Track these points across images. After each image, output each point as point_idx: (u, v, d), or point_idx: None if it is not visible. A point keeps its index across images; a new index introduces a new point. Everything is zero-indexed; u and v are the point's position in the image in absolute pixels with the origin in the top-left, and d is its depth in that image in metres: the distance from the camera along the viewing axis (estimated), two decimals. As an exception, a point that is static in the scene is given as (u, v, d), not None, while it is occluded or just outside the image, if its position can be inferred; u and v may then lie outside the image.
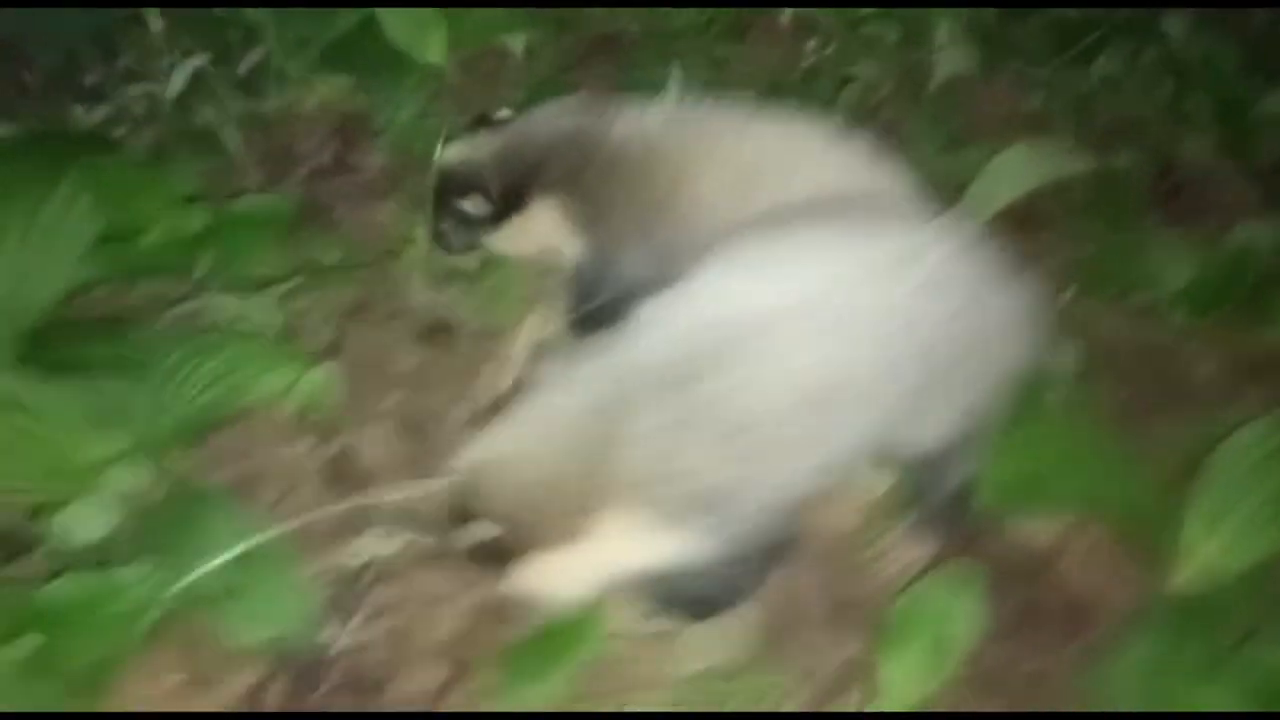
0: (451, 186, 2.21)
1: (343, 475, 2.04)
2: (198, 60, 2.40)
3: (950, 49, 2.65)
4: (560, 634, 1.76)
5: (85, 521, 1.67)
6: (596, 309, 2.19)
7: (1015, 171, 2.38)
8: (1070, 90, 2.77)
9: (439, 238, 2.28)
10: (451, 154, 2.23)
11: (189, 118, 2.52)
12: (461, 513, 1.62)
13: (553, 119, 2.24)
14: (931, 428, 1.71)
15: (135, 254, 1.96)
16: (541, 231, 2.24)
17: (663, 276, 1.92)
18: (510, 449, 1.59)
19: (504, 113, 2.30)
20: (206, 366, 1.83)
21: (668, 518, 1.55)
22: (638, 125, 2.15)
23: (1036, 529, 1.95)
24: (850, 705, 1.70)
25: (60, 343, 1.85)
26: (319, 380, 1.94)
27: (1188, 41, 2.81)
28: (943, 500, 1.88)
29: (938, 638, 1.66)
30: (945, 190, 2.45)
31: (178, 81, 2.37)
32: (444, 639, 1.85)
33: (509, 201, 2.20)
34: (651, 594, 1.76)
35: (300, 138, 2.72)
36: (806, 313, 1.56)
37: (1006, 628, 1.79)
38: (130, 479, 1.77)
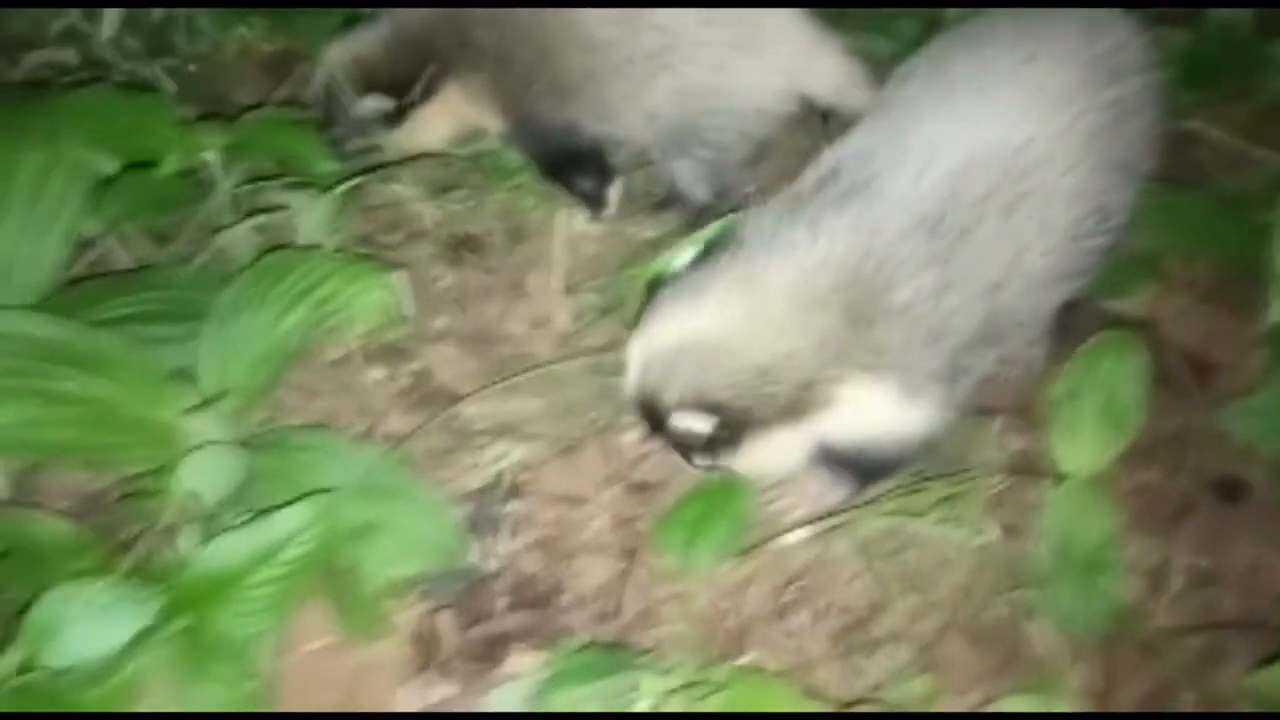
0: (344, 89, 2.06)
1: (427, 398, 1.86)
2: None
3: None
4: (712, 494, 1.66)
5: (208, 478, 1.43)
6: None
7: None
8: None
9: (335, 143, 2.08)
10: (335, 54, 2.08)
11: (115, 72, 2.23)
12: (666, 402, 1.48)
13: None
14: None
15: (153, 187, 1.69)
16: (456, 115, 2.13)
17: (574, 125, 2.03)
18: (739, 325, 1.44)
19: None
20: (278, 289, 1.60)
21: (912, 386, 1.47)
22: None
23: (1125, 304, 1.99)
24: (1034, 490, 1.68)
25: (95, 297, 1.59)
26: (390, 296, 1.73)
27: None
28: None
29: (1109, 405, 1.65)
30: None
31: (109, 26, 2.07)
32: (597, 534, 1.72)
33: (410, 92, 2.08)
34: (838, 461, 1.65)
35: (232, 84, 2.46)
36: (1056, 146, 1.50)
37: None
38: (218, 429, 1.54)
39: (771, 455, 1.55)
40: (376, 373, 1.86)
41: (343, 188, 1.79)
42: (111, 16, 2.08)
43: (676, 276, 1.55)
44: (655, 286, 1.59)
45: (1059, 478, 1.66)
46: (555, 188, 2.18)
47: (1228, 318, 1.98)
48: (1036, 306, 1.57)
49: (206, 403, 1.54)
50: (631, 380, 1.52)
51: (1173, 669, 1.60)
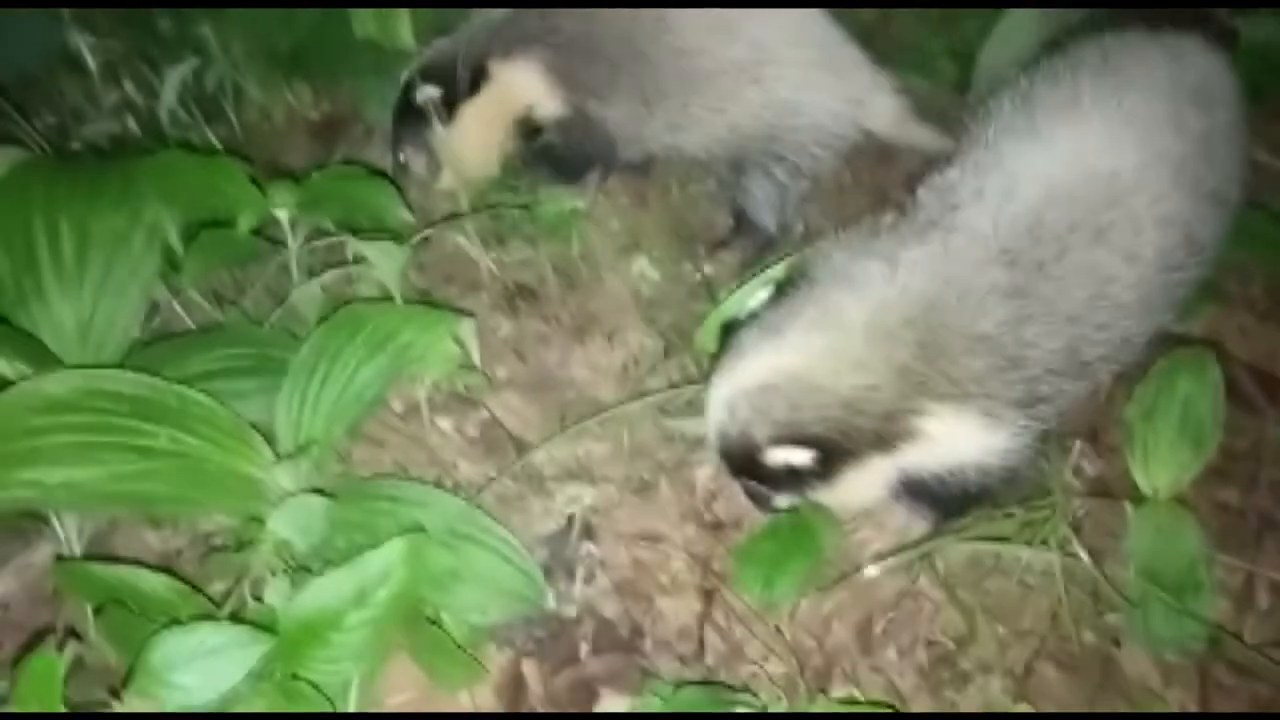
0: (409, 97, 2.12)
1: (494, 446, 1.86)
2: (186, 67, 2.16)
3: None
4: (789, 529, 1.65)
5: (298, 528, 1.43)
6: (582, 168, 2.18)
7: (1020, 32, 2.45)
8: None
9: (400, 169, 2.18)
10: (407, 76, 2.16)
11: (170, 141, 2.28)
12: (759, 439, 1.47)
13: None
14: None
15: (229, 245, 1.71)
16: (511, 97, 2.12)
17: (639, 132, 2.07)
18: (821, 360, 1.44)
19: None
20: (356, 341, 1.62)
21: (994, 415, 1.47)
22: None
23: (1187, 325, 1.98)
24: (1115, 514, 1.67)
25: (174, 355, 1.61)
26: (456, 346, 1.75)
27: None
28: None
29: (1185, 423, 1.65)
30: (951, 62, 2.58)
31: (170, 93, 2.12)
32: (675, 574, 1.71)
33: (464, 82, 2.10)
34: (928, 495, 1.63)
35: (284, 149, 2.51)
36: (1144, 175, 1.52)
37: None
38: (300, 481, 1.54)
39: (860, 487, 1.54)
40: (444, 422, 1.88)
41: (415, 238, 1.81)
42: (171, 86, 2.12)
43: (752, 316, 1.56)
44: (730, 328, 1.61)
45: (1139, 499, 1.65)
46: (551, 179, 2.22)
47: (1287, 334, 1.98)
48: (1125, 338, 1.57)
49: (290, 455, 1.55)
50: (717, 420, 1.52)
51: (1267, 687, 1.57)
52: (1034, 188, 1.50)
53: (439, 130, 2.11)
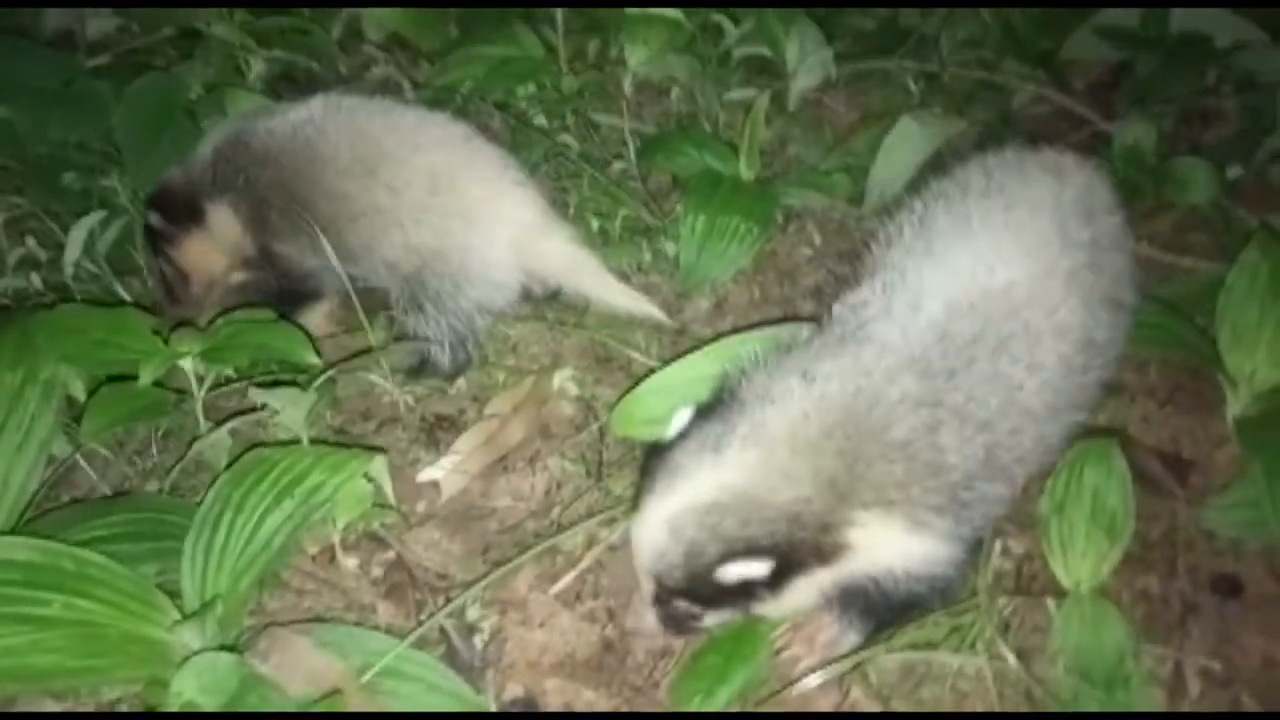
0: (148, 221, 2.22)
1: (415, 585, 1.82)
2: (91, 219, 2.16)
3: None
4: (729, 643, 1.65)
5: (204, 687, 1.36)
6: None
7: (910, 142, 2.57)
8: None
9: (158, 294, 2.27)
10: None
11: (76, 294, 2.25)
12: (709, 556, 1.46)
13: (224, 125, 2.27)
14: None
15: (130, 399, 1.68)
16: (222, 236, 2.21)
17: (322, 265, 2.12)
18: (759, 475, 1.45)
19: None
20: (260, 487, 1.58)
21: (921, 522, 1.49)
22: (282, 121, 2.18)
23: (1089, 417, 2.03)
24: (1041, 609, 1.68)
25: (72, 519, 1.56)
26: (368, 485, 1.72)
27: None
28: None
29: (1097, 513, 1.68)
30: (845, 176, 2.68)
31: (74, 248, 2.12)
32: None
33: (184, 218, 2.20)
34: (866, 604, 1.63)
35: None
36: (1044, 286, 1.58)
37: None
38: (208, 638, 1.48)
39: (801, 597, 1.54)
40: (358, 563, 1.83)
41: (321, 379, 1.79)
42: (75, 241, 2.11)
43: (674, 442, 1.56)
44: (652, 454, 1.60)
45: (1061, 594, 1.66)
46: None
47: (1190, 418, 2.04)
48: (1039, 439, 1.61)
49: (194, 614, 1.49)
50: (655, 542, 1.49)
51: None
52: (937, 302, 1.56)
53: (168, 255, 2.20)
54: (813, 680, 1.62)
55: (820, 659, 1.66)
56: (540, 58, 2.90)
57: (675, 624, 1.60)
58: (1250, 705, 1.63)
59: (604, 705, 1.66)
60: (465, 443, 2.06)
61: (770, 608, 1.56)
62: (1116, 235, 1.74)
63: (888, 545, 1.49)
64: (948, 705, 1.64)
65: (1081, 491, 1.70)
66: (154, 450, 1.85)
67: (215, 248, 2.21)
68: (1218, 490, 1.89)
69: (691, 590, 1.53)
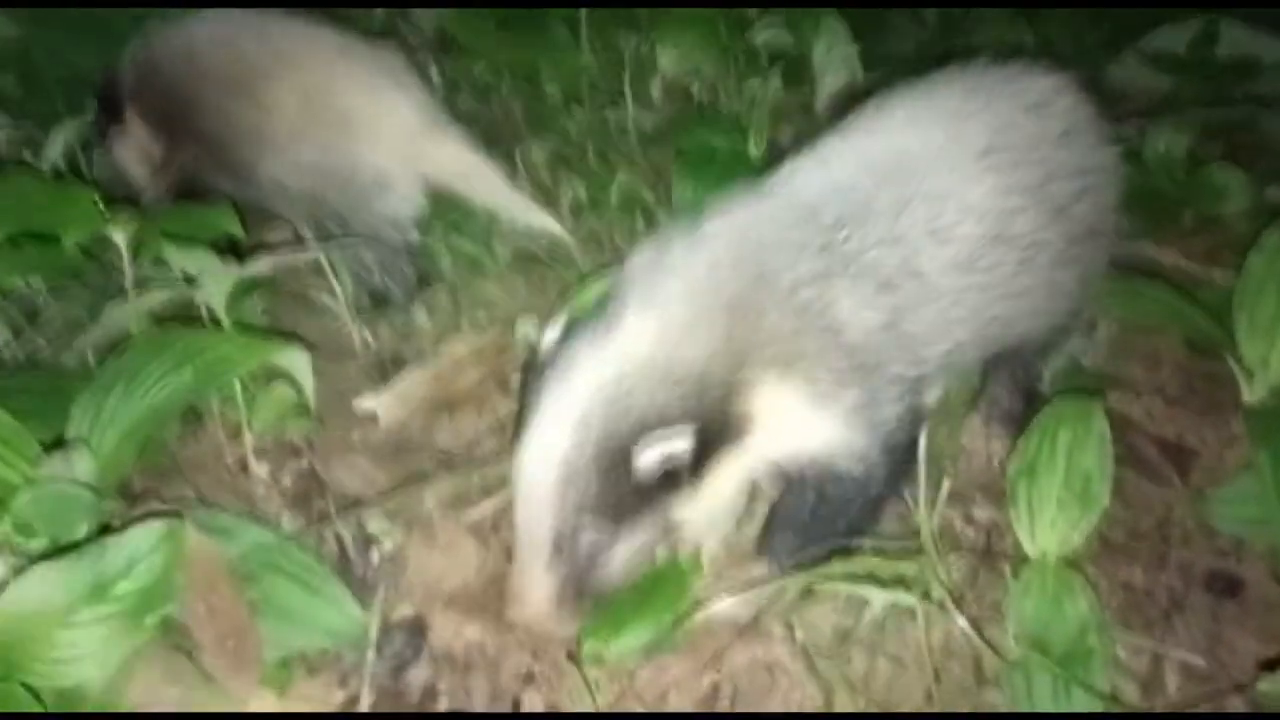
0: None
1: (307, 498, 1.70)
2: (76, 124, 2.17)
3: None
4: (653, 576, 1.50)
5: (44, 514, 1.25)
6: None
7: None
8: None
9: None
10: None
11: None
12: (625, 435, 1.31)
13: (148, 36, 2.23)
14: (1057, 303, 1.63)
15: (50, 255, 1.62)
16: (137, 137, 2.18)
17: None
18: (658, 340, 1.32)
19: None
20: (162, 357, 1.49)
21: (819, 392, 1.36)
22: (180, 34, 2.14)
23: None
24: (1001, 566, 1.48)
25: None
26: (293, 376, 1.62)
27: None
28: (1022, 396, 1.79)
29: (1070, 479, 1.47)
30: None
31: (54, 149, 2.12)
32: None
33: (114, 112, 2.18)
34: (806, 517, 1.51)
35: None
36: (955, 157, 1.47)
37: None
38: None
39: (722, 487, 1.39)
40: (269, 471, 1.72)
41: (252, 267, 1.69)
42: (55, 143, 2.12)
43: (553, 352, 1.41)
44: (530, 376, 1.45)
45: (1022, 560, 1.46)
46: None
47: (1200, 419, 1.84)
48: (947, 331, 1.46)
49: (55, 449, 1.38)
50: (560, 453, 1.32)
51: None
52: (841, 161, 1.47)
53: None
54: (732, 602, 1.46)
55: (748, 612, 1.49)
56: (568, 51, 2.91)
57: (576, 582, 1.39)
58: (1237, 708, 1.40)
59: (490, 643, 1.50)
60: (410, 376, 1.97)
61: (690, 508, 1.39)
62: (1086, 154, 1.60)
63: (790, 419, 1.35)
64: (881, 671, 1.44)
65: (1055, 453, 1.50)
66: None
67: (135, 145, 2.18)
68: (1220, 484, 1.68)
69: (605, 500, 1.34)
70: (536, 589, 1.38)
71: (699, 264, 1.36)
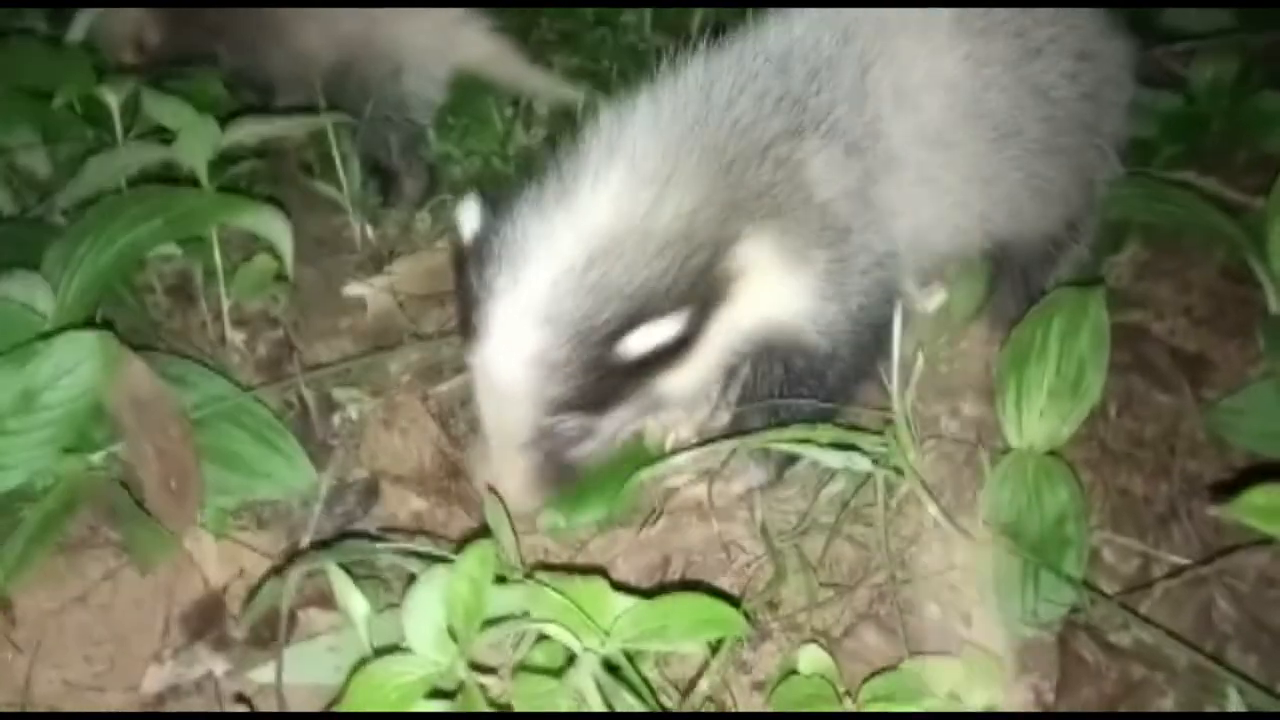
0: None
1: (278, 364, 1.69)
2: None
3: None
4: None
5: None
6: None
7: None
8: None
9: None
10: None
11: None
12: (604, 324, 1.21)
13: None
14: (1046, 205, 1.55)
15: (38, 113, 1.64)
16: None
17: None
18: (624, 205, 1.22)
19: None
20: (132, 209, 1.48)
21: (794, 250, 1.29)
22: None
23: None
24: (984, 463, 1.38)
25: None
26: (274, 233, 1.59)
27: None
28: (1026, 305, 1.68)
29: (1062, 368, 1.37)
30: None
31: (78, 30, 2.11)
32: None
33: None
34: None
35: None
36: (932, 24, 1.40)
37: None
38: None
39: (703, 364, 1.31)
40: (245, 338, 1.71)
41: (237, 130, 1.66)
42: (80, 25, 2.12)
43: (488, 237, 1.28)
44: (464, 266, 1.30)
45: (1004, 449, 1.36)
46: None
47: (1225, 340, 1.70)
48: (916, 206, 1.38)
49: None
50: (531, 348, 1.21)
51: (1141, 665, 1.23)
52: (813, 20, 1.39)
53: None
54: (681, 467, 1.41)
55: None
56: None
57: (555, 466, 1.32)
58: (1225, 608, 1.28)
59: (437, 517, 1.45)
60: (402, 266, 1.94)
61: (674, 381, 1.30)
62: (1080, 39, 1.50)
63: (768, 278, 1.28)
64: (844, 555, 1.36)
65: (1048, 339, 1.40)
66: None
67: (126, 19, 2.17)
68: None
69: (586, 389, 1.24)
70: (513, 473, 1.31)
71: (666, 116, 1.27)
